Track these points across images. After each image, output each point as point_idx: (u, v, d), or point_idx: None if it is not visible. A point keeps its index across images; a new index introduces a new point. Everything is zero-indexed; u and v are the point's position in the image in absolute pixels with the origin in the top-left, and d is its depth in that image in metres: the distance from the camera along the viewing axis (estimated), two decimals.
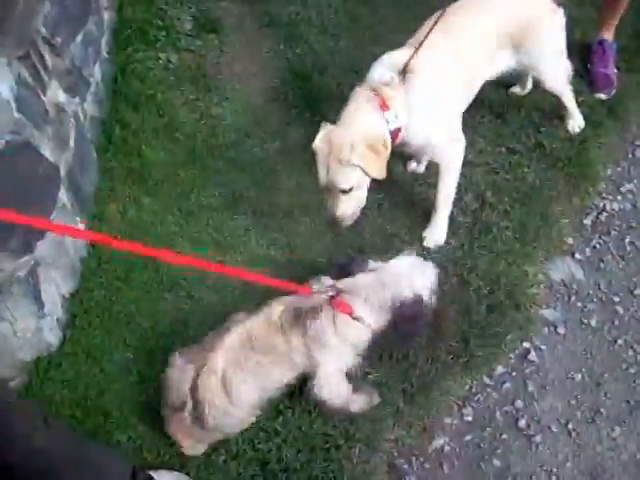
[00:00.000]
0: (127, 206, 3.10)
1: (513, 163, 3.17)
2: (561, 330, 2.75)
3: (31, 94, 2.60)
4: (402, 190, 3.11)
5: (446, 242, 2.92)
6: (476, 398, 2.60)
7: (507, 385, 2.64)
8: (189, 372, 2.24)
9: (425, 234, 2.93)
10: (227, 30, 3.86)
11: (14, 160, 2.39)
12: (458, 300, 2.75)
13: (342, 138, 2.42)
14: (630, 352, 2.72)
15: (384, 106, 2.45)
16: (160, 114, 3.46)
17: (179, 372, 2.28)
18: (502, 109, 3.35)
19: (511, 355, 2.69)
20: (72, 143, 2.92)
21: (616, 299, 2.83)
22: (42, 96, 2.69)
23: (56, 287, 2.65)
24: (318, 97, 3.51)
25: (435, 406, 2.54)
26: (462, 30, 2.63)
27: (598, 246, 2.99)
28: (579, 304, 2.82)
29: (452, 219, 2.96)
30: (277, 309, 2.27)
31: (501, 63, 2.84)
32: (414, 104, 2.50)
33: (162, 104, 3.50)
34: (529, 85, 3.38)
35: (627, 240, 3.00)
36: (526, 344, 2.71)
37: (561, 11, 2.86)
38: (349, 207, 2.54)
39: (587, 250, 2.98)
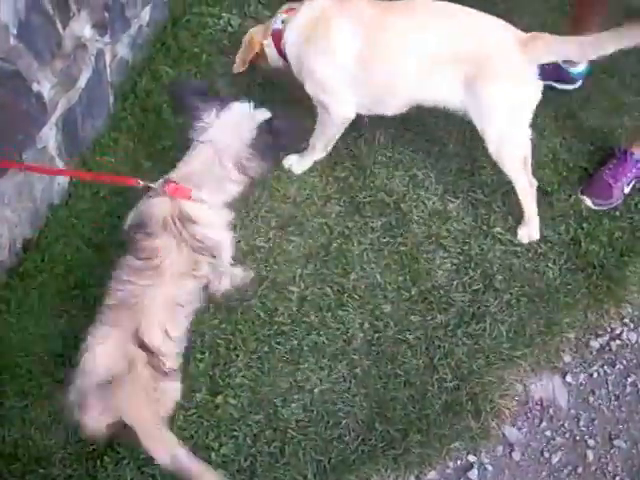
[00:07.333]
0: (123, 164, 2.91)
1: (540, 252, 2.81)
2: (516, 456, 2.41)
3: (45, 23, 2.44)
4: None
5: (431, 317, 2.62)
6: None
7: None
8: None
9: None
10: None
11: None
12: (417, 384, 2.46)
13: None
14: None
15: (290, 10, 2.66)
16: (197, 76, 3.25)
17: None
18: (550, 188, 2.97)
19: (450, 464, 2.38)
20: (83, 83, 2.76)
21: (591, 442, 2.46)
22: (60, 28, 2.53)
23: (8, 229, 2.49)
24: None
25: None
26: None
27: (596, 375, 2.61)
28: (548, 433, 2.48)
29: (448, 294, 2.67)
30: None
31: (437, 87, 2.55)
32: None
33: (203, 67, 3.30)
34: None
35: (630, 380, 2.60)
36: (472, 458, 2.39)
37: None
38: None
39: (582, 376, 2.60)
